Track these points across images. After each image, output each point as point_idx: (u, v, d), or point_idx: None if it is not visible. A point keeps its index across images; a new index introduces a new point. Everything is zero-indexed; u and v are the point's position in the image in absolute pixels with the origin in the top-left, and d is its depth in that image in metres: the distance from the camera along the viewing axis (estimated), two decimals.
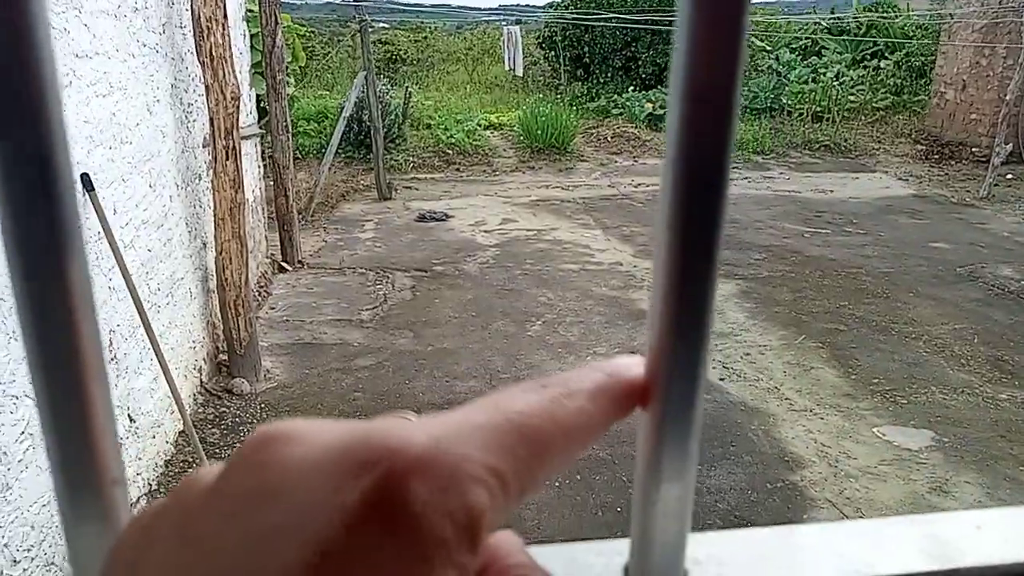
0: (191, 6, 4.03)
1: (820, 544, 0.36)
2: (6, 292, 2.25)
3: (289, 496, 0.18)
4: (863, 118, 11.44)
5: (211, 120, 4.03)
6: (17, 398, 2.38)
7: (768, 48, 12.75)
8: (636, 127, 11.28)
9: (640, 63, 12.52)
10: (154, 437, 3.61)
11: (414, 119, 10.48)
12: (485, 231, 7.40)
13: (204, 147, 4.41)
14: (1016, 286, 6.12)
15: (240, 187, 4.21)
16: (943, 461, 3.85)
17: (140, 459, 3.42)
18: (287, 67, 6.28)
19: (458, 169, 9.78)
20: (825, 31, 12.84)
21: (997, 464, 3.84)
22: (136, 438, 3.41)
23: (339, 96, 10.82)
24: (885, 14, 12.49)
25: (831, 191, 9.04)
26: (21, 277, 0.24)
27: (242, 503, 0.18)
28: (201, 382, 4.35)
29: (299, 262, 6.34)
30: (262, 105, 6.13)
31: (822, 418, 4.26)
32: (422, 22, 18.64)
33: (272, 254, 6.29)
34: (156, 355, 3.41)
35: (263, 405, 4.29)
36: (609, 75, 12.72)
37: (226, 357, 4.53)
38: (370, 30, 8.13)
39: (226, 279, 4.29)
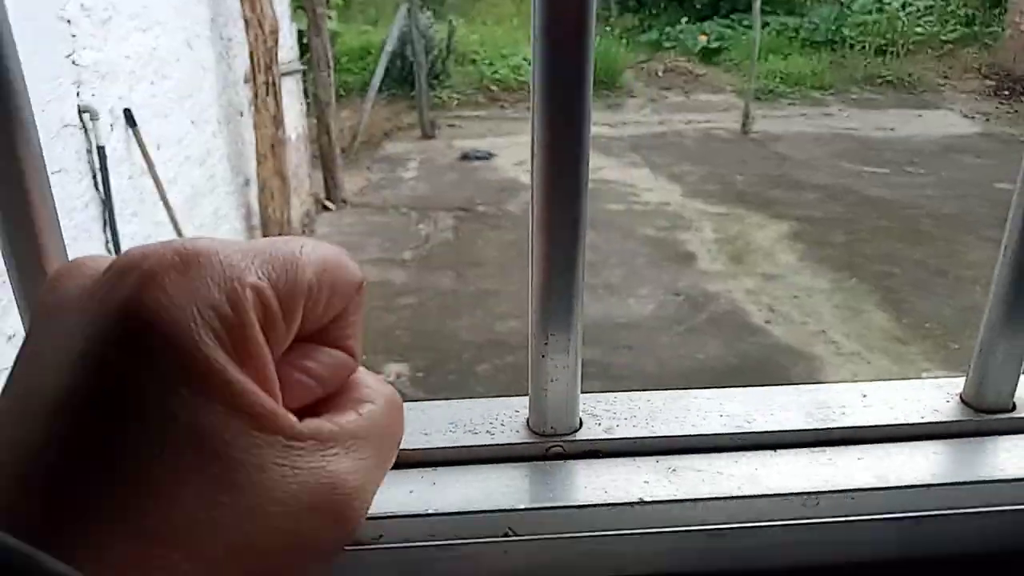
0: None
1: (709, 404, 0.39)
2: None
3: (62, 320, 0.18)
4: (930, 52, 10.86)
5: (251, 55, 4.00)
6: None
7: None
8: (689, 61, 10.91)
9: None
10: None
11: (458, 54, 10.29)
12: (528, 170, 7.28)
13: (245, 83, 4.38)
14: None
15: (281, 124, 4.19)
16: None
17: None
18: (328, 0, 6.18)
19: (503, 106, 9.62)
20: None
21: None
22: None
23: (383, 31, 10.67)
24: None
25: (892, 129, 8.66)
26: None
27: (33, 336, 0.19)
28: None
29: (342, 201, 6.35)
30: (303, 41, 6.07)
31: (869, 362, 4.16)
32: None
33: (315, 193, 6.31)
34: None
35: None
36: (662, 6, 12.27)
37: None
38: None
39: (269, 216, 4.32)
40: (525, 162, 7.53)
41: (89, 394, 0.17)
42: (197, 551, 0.17)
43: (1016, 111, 9.35)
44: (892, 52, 10.64)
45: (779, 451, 0.37)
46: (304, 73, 6.13)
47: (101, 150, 2.73)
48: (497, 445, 0.36)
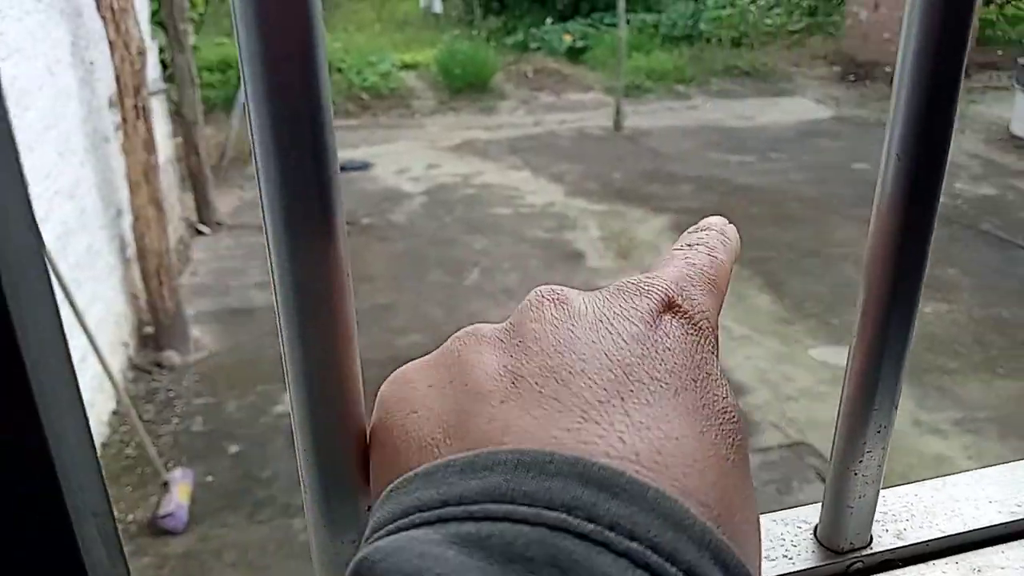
0: None
1: (971, 492, 0.40)
2: None
3: (597, 310, 0.25)
4: (780, 42, 11.52)
5: (117, 78, 3.73)
6: None
7: None
8: (557, 61, 11.10)
9: None
10: None
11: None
12: (411, 178, 7.20)
13: (111, 107, 4.10)
14: None
15: (153, 148, 3.94)
16: None
17: None
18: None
19: (375, 114, 9.46)
20: None
21: (925, 376, 4.01)
22: None
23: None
24: None
25: (753, 117, 9.12)
26: None
27: (562, 317, 0.25)
28: (129, 357, 4.13)
29: (217, 223, 6.05)
30: (161, 58, 5.74)
31: (760, 344, 4.34)
32: None
33: (187, 216, 5.98)
34: (84, 332, 3.21)
35: (197, 376, 4.11)
36: (525, 7, 12.42)
37: (152, 329, 4.30)
38: None
39: (145, 247, 4.05)
40: (406, 170, 7.43)
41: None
42: None
43: (862, 94, 10.04)
44: (746, 44, 11.21)
45: None
46: (167, 92, 5.80)
47: None
48: (798, 572, 0.35)
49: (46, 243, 2.97)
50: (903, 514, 0.39)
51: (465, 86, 9.94)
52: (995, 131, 8.11)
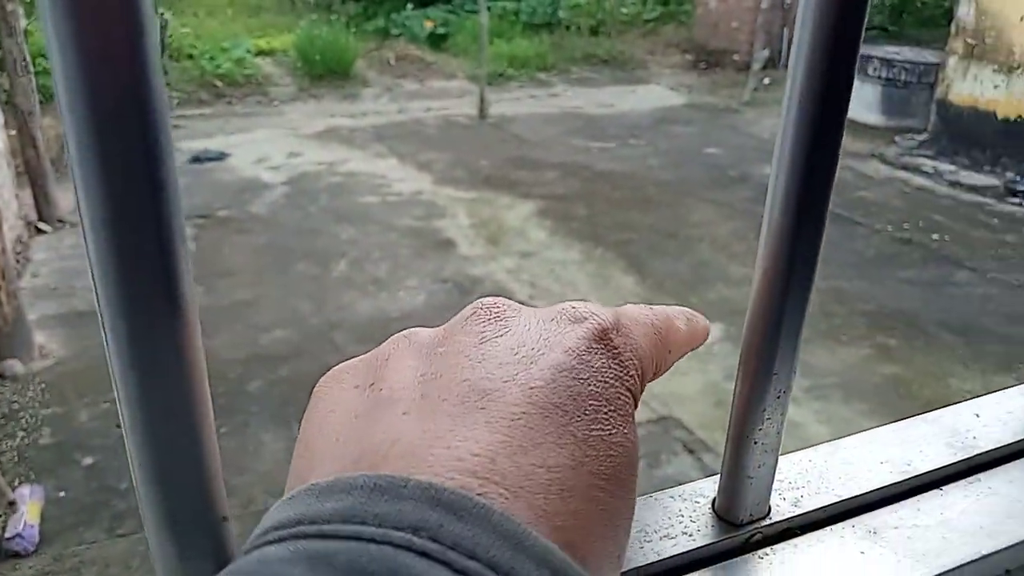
0: None
1: (863, 454, 0.41)
2: None
3: (529, 330, 0.25)
4: (635, 30, 11.90)
5: None
6: None
7: None
8: (419, 48, 10.99)
9: None
10: None
11: (173, 50, 9.52)
12: (271, 168, 6.95)
13: None
14: None
15: None
16: (733, 350, 4.21)
17: None
18: None
19: (230, 102, 9.06)
20: None
21: None
22: None
23: None
24: None
25: (612, 105, 9.39)
26: None
27: (490, 333, 0.26)
28: None
29: (59, 220, 5.63)
30: None
31: None
32: None
33: (25, 215, 5.53)
34: None
35: (43, 385, 3.82)
36: None
37: None
38: None
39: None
40: (264, 160, 7.17)
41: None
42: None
43: (713, 82, 10.54)
44: (604, 32, 11.51)
45: (944, 488, 0.40)
46: None
47: None
48: (697, 548, 0.35)
49: None
50: (799, 481, 0.39)
51: (326, 72, 9.69)
52: None
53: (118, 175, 0.20)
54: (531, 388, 0.23)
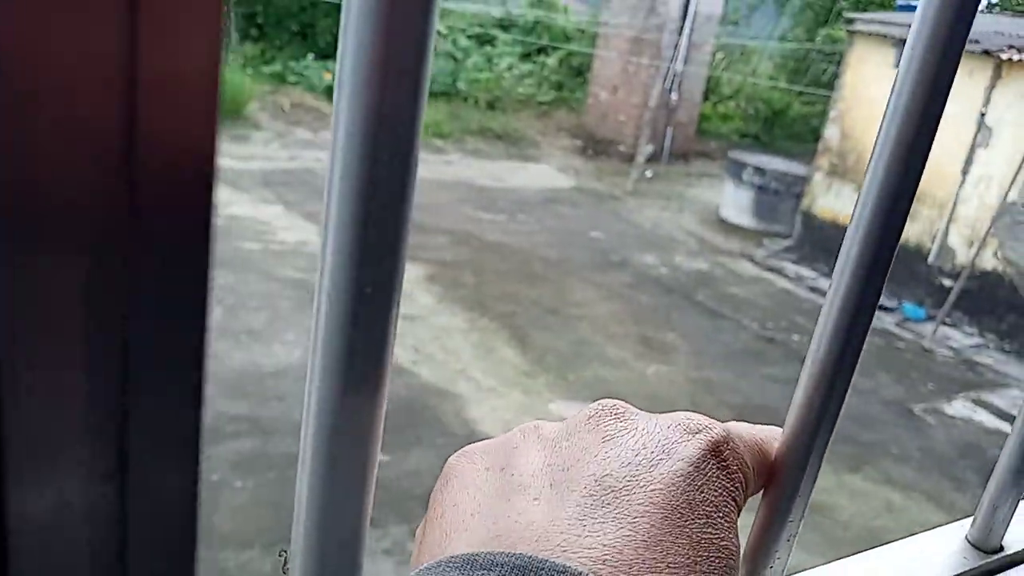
0: None
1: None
2: None
3: (649, 435, 0.27)
4: (530, 110, 12.30)
5: None
6: None
7: (444, 33, 13.11)
8: (316, 98, 10.90)
9: (318, 30, 12.10)
10: None
11: None
12: None
13: None
14: (657, 272, 7.03)
15: None
16: None
17: None
18: None
19: None
20: (497, 23, 13.55)
21: None
22: None
23: None
24: (550, 13, 13.52)
25: (504, 179, 9.59)
26: None
27: (612, 432, 0.28)
28: None
29: None
30: None
31: (505, 396, 4.50)
32: None
33: None
34: None
35: None
36: (286, 39, 12.10)
37: None
38: None
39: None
40: None
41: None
42: None
43: (599, 168, 10.99)
44: (500, 108, 11.82)
45: None
46: None
47: None
48: None
49: None
50: None
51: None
52: (708, 213, 9.27)
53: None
54: (653, 490, 0.25)
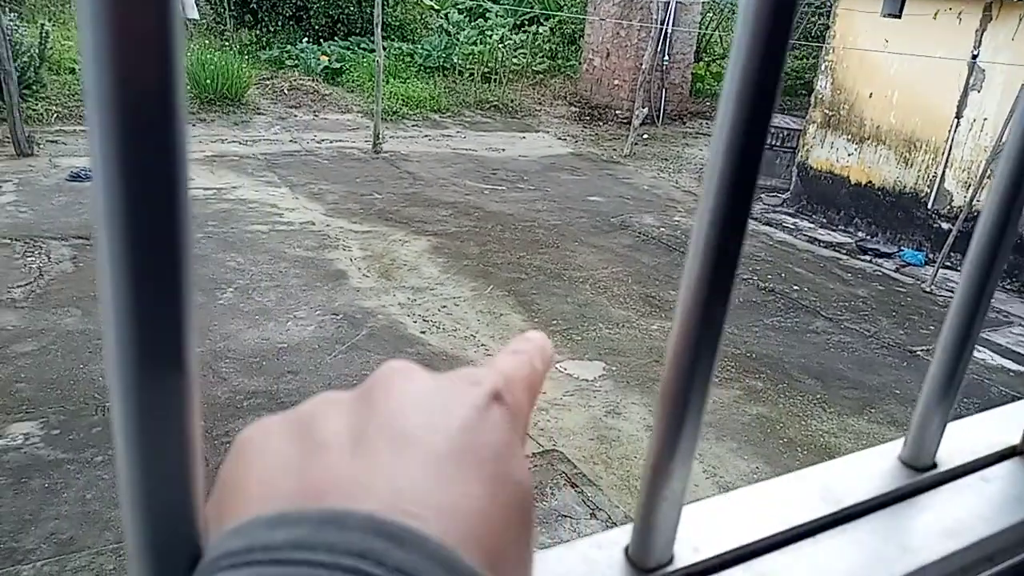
0: None
1: (752, 504, 0.46)
2: None
3: (438, 389, 0.29)
4: (526, 80, 12.32)
5: None
6: None
7: (437, 7, 13.10)
8: (313, 80, 10.97)
9: (312, 13, 12.12)
10: None
11: (53, 62, 9.11)
12: None
13: None
14: (657, 232, 7.13)
15: None
16: (613, 387, 4.42)
17: None
18: None
19: None
20: None
21: (655, 386, 4.49)
22: None
23: None
24: None
25: (503, 149, 9.67)
26: None
27: (405, 390, 0.29)
28: None
29: None
30: None
31: None
32: None
33: None
34: None
35: None
36: (280, 24, 12.14)
37: None
38: None
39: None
40: None
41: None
42: None
43: (596, 134, 11.05)
44: (496, 80, 11.85)
45: (817, 537, 0.46)
46: None
47: None
48: None
49: None
50: (699, 531, 0.43)
51: (216, 97, 9.51)
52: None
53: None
54: (449, 436, 0.27)
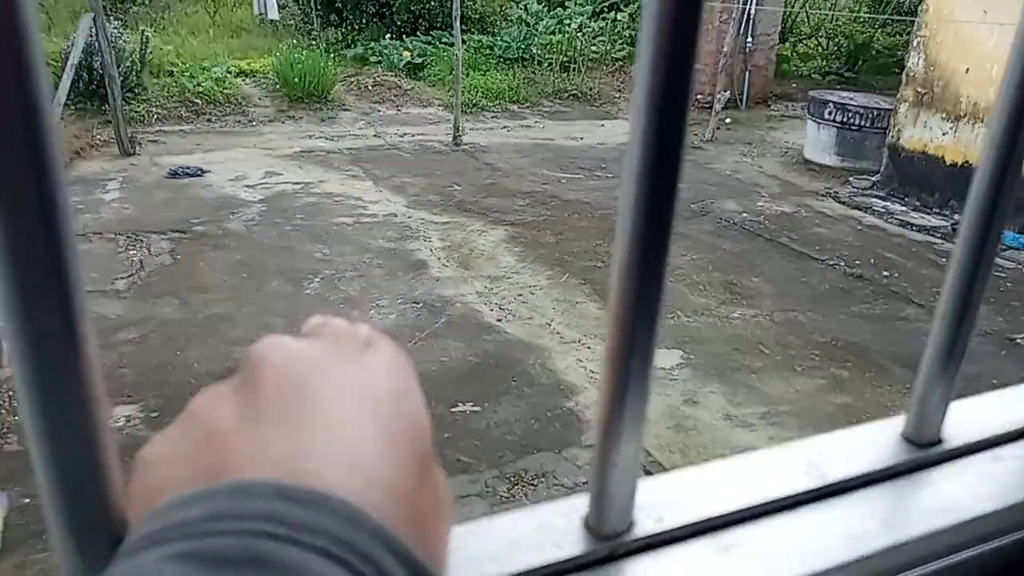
0: None
1: (727, 475, 0.45)
2: None
3: (314, 354, 0.30)
4: (604, 68, 12.24)
5: None
6: None
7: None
8: (396, 75, 11.20)
9: (394, 10, 12.36)
10: None
11: (153, 66, 9.60)
12: (247, 186, 7.05)
13: None
14: (739, 218, 6.99)
15: None
16: (691, 376, 4.38)
17: None
18: None
19: (209, 120, 9.16)
20: None
21: (735, 375, 4.44)
22: None
23: (59, 39, 9.62)
24: None
25: (581, 138, 9.64)
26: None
27: (282, 364, 0.30)
28: None
29: None
30: None
31: (589, 348, 4.64)
32: None
33: None
34: None
35: (10, 393, 3.86)
36: (364, 21, 12.43)
37: None
38: None
39: None
40: (242, 177, 7.26)
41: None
42: None
43: None
44: (574, 68, 11.82)
45: (796, 511, 0.44)
46: None
47: None
48: (567, 559, 0.38)
49: None
50: (663, 500, 0.41)
51: (304, 95, 9.83)
52: (791, 155, 9.09)
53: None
54: (339, 393, 0.28)
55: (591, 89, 11.53)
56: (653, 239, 0.32)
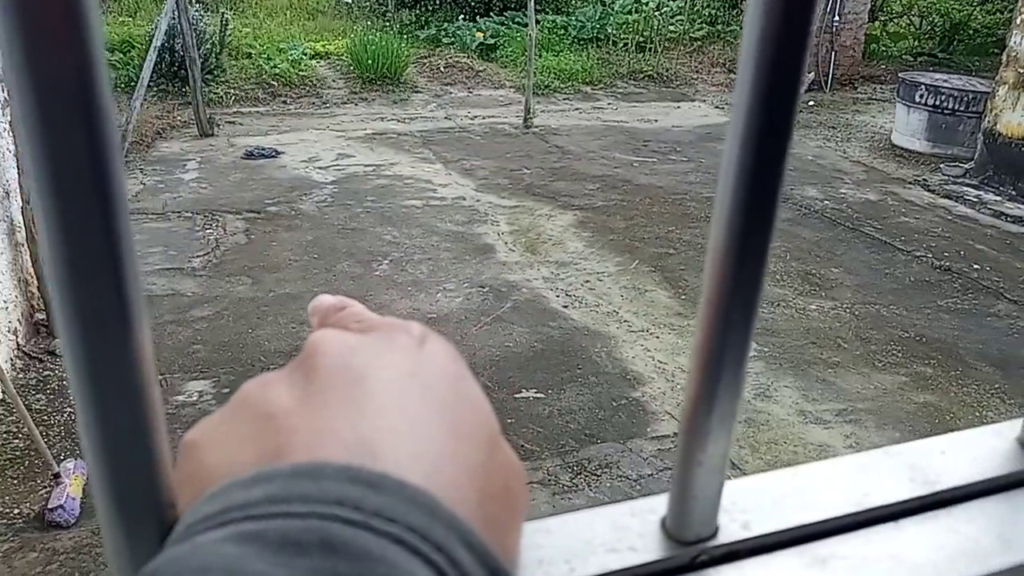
0: None
1: (822, 479, 0.41)
2: None
3: (370, 344, 0.30)
4: (682, 48, 11.93)
5: None
6: None
7: None
8: (468, 57, 11.15)
9: None
10: None
11: (232, 48, 9.80)
12: (320, 167, 7.14)
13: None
14: (820, 205, 6.72)
15: None
16: (765, 369, 4.24)
17: None
18: None
19: (285, 101, 9.30)
20: None
21: (810, 368, 4.28)
22: None
23: (143, 22, 9.91)
24: None
25: (656, 120, 9.43)
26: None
27: (340, 353, 0.29)
28: (18, 345, 3.97)
29: None
30: None
31: (657, 337, 4.53)
32: None
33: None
34: None
35: None
36: (438, 2, 12.42)
37: (44, 316, 4.15)
38: None
39: (36, 229, 3.90)
40: (314, 159, 7.35)
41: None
42: None
43: None
44: (650, 49, 11.56)
45: (899, 522, 0.40)
46: None
47: None
48: (645, 564, 0.36)
49: None
50: (750, 505, 0.39)
51: (377, 77, 9.89)
52: (878, 140, 8.69)
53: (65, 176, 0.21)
54: (399, 383, 0.27)
55: (667, 70, 11.26)
56: (755, 221, 0.30)
